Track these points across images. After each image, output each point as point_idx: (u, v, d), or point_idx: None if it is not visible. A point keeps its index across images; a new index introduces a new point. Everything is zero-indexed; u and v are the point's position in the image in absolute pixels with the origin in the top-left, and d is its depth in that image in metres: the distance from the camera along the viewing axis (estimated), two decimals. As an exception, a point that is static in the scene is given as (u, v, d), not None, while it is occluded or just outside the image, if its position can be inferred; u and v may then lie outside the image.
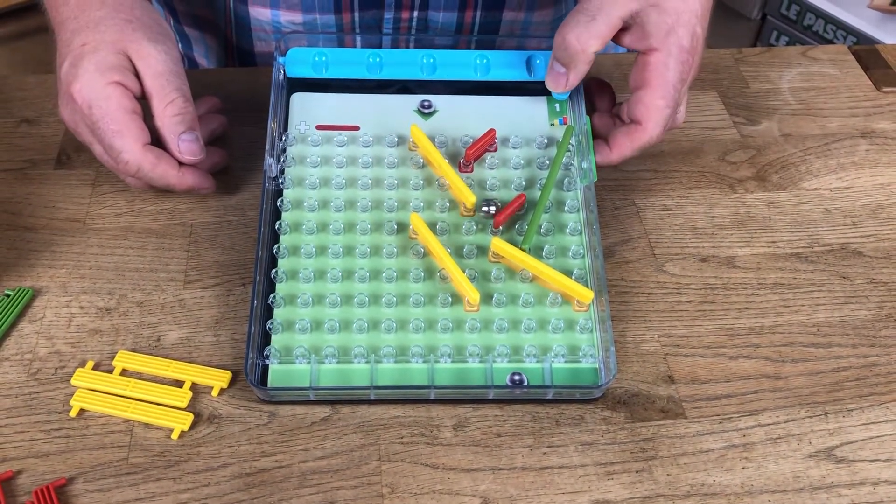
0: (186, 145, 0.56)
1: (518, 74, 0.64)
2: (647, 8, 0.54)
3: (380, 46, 0.69)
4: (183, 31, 0.84)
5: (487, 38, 0.72)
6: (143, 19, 0.57)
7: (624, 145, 0.58)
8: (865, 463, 0.49)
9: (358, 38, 0.74)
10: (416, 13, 0.74)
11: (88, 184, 0.62)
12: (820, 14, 1.35)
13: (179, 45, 0.86)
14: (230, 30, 0.78)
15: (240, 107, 0.68)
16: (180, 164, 0.57)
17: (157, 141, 0.57)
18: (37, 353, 0.52)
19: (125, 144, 0.55)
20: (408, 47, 0.74)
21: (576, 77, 0.58)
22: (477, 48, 0.65)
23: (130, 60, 0.55)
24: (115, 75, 0.54)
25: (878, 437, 0.50)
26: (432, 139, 0.60)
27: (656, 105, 0.56)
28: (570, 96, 0.64)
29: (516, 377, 0.50)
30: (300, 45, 0.63)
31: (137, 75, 0.56)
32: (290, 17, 0.75)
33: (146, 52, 0.55)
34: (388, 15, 0.74)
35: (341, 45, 0.75)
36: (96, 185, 0.62)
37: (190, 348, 0.53)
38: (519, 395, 0.50)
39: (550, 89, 0.59)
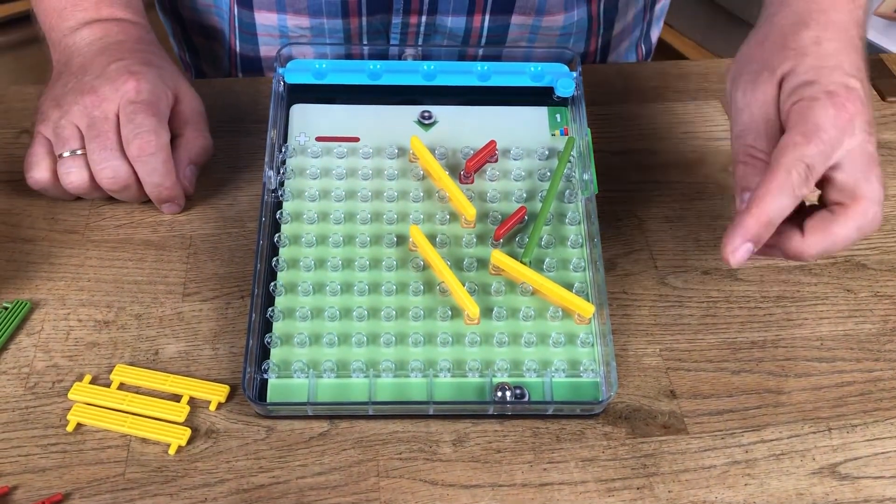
0: (191, 174, 0.60)
1: (520, 80, 0.63)
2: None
3: (386, 57, 0.69)
4: (191, 41, 0.84)
5: (493, 50, 0.72)
6: (189, 79, 0.64)
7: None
8: (870, 480, 0.48)
9: (365, 49, 0.74)
10: (424, 18, 0.73)
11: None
12: (825, 21, 1.34)
13: (187, 55, 0.86)
14: (233, 36, 0.78)
15: (241, 117, 0.68)
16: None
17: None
18: (34, 367, 0.52)
19: (161, 128, 0.57)
20: (415, 58, 0.74)
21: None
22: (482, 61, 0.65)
23: (178, 94, 0.60)
24: (169, 94, 0.59)
25: (882, 453, 0.49)
26: (432, 150, 0.60)
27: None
28: (570, 107, 0.63)
29: (517, 391, 0.50)
30: (304, 54, 0.64)
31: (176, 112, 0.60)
32: (296, 22, 0.74)
33: (192, 94, 0.62)
34: (397, 20, 0.73)
35: (348, 54, 0.74)
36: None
37: (188, 362, 0.52)
38: (517, 409, 0.50)
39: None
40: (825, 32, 0.50)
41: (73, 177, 0.57)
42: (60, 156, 0.57)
